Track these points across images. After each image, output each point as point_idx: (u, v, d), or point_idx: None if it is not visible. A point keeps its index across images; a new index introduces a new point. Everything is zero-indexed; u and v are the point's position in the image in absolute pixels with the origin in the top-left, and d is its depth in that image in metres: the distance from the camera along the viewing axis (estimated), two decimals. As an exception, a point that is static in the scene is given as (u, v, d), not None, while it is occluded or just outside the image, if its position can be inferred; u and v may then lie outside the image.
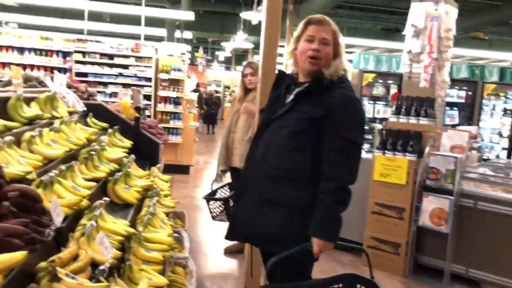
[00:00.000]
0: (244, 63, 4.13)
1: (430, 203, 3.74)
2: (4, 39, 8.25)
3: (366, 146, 5.93)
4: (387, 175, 3.93)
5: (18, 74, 2.94)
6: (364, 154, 4.87)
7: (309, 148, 1.89)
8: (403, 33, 4.40)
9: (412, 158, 3.84)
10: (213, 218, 3.50)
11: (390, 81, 7.24)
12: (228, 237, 2.11)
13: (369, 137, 7.34)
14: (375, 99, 7.36)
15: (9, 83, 3.57)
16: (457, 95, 7.25)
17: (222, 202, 3.47)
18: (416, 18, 4.15)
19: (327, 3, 10.11)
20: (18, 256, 1.20)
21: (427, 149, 3.85)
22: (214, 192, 3.55)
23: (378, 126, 6.61)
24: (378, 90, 7.20)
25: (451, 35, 4.16)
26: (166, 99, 8.18)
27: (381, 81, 7.27)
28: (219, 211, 3.49)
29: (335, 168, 1.83)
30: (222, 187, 3.61)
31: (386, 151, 3.97)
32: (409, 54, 4.25)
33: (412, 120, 4.00)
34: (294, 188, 1.89)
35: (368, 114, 7.59)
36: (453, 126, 6.31)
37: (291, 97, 1.99)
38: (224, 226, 2.28)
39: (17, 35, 8.39)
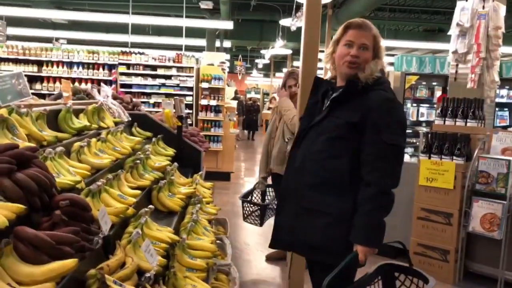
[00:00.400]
0: (285, 71, 4.09)
1: (481, 208, 3.57)
2: (55, 55, 8.70)
3: (410, 150, 5.76)
4: (433, 179, 3.80)
5: (68, 87, 3.09)
6: (408, 159, 4.74)
7: (347, 154, 1.85)
8: (448, 33, 4.24)
9: (460, 162, 3.69)
10: (244, 219, 3.62)
11: (434, 83, 7.00)
12: (272, 245, 2.11)
13: (413, 140, 7.14)
14: (418, 101, 7.14)
15: (59, 96, 3.76)
16: (508, 95, 6.91)
17: (258, 207, 3.55)
18: (462, 17, 4.00)
19: (367, 6, 9.94)
20: (69, 263, 1.25)
21: (476, 152, 3.68)
22: (250, 192, 3.66)
23: (422, 129, 6.40)
24: (422, 93, 6.97)
25: (500, 33, 3.97)
26: (207, 108, 8.32)
27: (424, 83, 7.04)
28: (251, 212, 3.59)
29: (373, 173, 1.79)
30: (259, 189, 3.72)
31: (432, 155, 3.83)
32: (454, 54, 4.10)
33: (459, 122, 3.85)
34: (334, 196, 1.86)
35: (412, 117, 7.37)
36: (504, 127, 6.01)
37: (327, 103, 1.97)
38: (265, 232, 2.29)
39: (66, 51, 8.82)
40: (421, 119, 7.13)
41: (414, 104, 7.17)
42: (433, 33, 14.44)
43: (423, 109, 7.08)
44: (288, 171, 2.05)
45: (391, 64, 9.27)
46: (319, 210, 1.87)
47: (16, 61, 8.67)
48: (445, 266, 3.76)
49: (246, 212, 3.64)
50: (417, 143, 5.95)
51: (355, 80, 1.87)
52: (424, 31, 14.83)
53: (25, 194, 1.43)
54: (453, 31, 4.10)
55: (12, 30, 12.68)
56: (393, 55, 13.05)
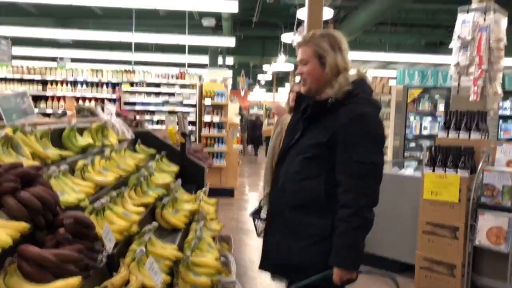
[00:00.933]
0: (288, 86, 4.08)
1: (487, 221, 3.54)
2: (59, 74, 8.79)
3: (413, 163, 5.75)
4: (437, 193, 3.77)
5: (71, 106, 3.12)
6: (411, 172, 4.72)
7: (323, 174, 1.82)
8: (449, 46, 4.27)
9: (465, 175, 3.67)
10: (258, 235, 3.60)
11: (437, 96, 7.02)
12: (261, 267, 2.08)
13: (417, 154, 7.13)
14: (421, 114, 7.15)
15: (64, 114, 3.79)
16: (511, 107, 6.90)
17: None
18: (463, 30, 4.03)
19: (368, 21, 10.03)
20: (73, 282, 1.25)
21: (480, 165, 3.66)
22: (260, 209, 3.64)
23: (426, 142, 6.39)
24: (425, 106, 6.99)
25: (502, 45, 3.99)
26: (210, 124, 8.36)
27: (427, 96, 7.06)
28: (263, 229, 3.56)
29: (347, 194, 1.74)
30: (265, 204, 3.67)
31: (436, 168, 3.81)
32: (456, 67, 4.12)
33: (463, 135, 3.84)
34: (312, 216, 1.84)
35: (415, 130, 7.38)
36: (509, 140, 5.99)
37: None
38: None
39: (71, 69, 8.92)
40: (424, 132, 7.13)
41: (417, 117, 7.19)
42: (435, 46, 14.54)
43: (426, 122, 7.09)
44: (273, 192, 2.03)
45: (393, 78, 9.31)
46: (299, 232, 1.86)
47: (21, 81, 8.77)
48: (452, 281, 3.71)
49: (260, 229, 3.61)
50: (421, 157, 5.94)
51: (320, 99, 1.85)
52: (425, 44, 14.93)
53: (29, 212, 1.43)
54: (455, 44, 4.13)
55: (17, 50, 12.86)
56: (395, 69, 13.11)
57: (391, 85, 8.30)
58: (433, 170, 3.83)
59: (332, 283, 1.76)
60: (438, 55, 13.34)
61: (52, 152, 2.19)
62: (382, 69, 18.24)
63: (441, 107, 6.94)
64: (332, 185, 1.80)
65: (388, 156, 7.54)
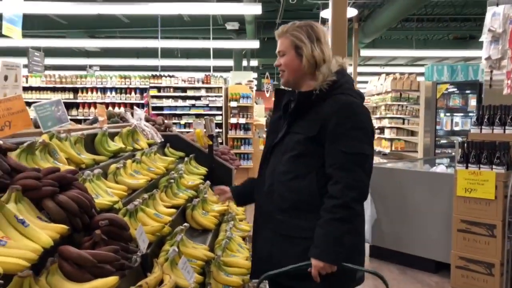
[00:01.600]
0: None
1: (526, 219, 3.42)
2: (89, 82, 9.05)
3: (445, 160, 5.62)
4: (472, 190, 3.67)
5: (103, 112, 3.21)
6: (444, 169, 4.62)
7: (313, 171, 1.72)
8: (480, 39, 4.16)
9: (501, 171, 3.56)
10: None
11: (468, 91, 6.84)
12: (253, 276, 1.93)
13: (449, 151, 6.96)
14: (452, 111, 6.99)
15: (95, 120, 3.90)
16: (547, 99, 6.65)
17: None
18: (494, 22, 3.91)
19: (393, 18, 9.88)
20: (111, 281, 1.28)
21: (516, 160, 3.55)
22: None
23: (458, 138, 6.24)
24: (455, 101, 6.83)
25: (533, 36, 3.86)
26: (236, 126, 8.42)
27: (457, 91, 6.90)
28: None
29: (336, 185, 1.65)
30: None
31: (469, 165, 3.71)
32: (488, 61, 4.01)
33: (497, 130, 3.72)
34: (306, 219, 1.72)
35: (446, 127, 7.22)
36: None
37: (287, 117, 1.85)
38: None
39: (100, 77, 9.16)
40: (455, 128, 6.97)
41: (448, 114, 7.03)
42: (464, 40, 14.18)
43: (457, 118, 6.94)
44: (259, 195, 1.89)
45: (422, 74, 9.14)
46: (294, 236, 1.74)
47: (53, 90, 9.07)
48: (490, 280, 3.60)
49: None
50: (453, 153, 5.79)
51: (305, 91, 1.77)
52: (454, 39, 14.58)
53: (68, 215, 1.48)
54: (485, 37, 4.02)
55: (49, 60, 13.31)
56: (423, 65, 12.86)
57: (420, 81, 8.15)
58: (467, 167, 3.73)
59: (311, 277, 1.66)
60: (467, 50, 13.00)
61: (86, 157, 2.26)
62: (410, 66, 17.91)
63: (472, 102, 6.77)
64: (323, 184, 1.71)
65: (419, 153, 7.40)
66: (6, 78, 2.63)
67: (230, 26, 11.76)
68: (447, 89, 6.77)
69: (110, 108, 8.58)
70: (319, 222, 1.67)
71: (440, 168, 4.68)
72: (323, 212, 1.67)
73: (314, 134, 1.70)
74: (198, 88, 8.95)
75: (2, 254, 1.12)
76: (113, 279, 1.29)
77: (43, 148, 1.92)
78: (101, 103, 8.61)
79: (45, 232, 1.31)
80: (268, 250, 1.81)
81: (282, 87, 1.97)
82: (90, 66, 14.55)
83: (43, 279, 1.21)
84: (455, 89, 6.95)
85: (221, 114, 8.70)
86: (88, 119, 7.49)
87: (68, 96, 8.96)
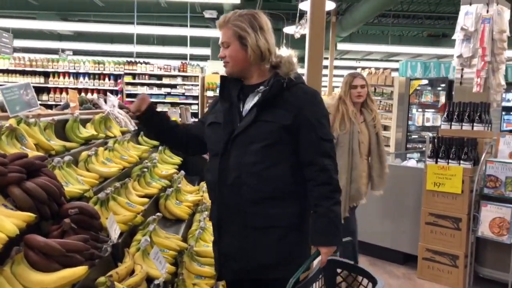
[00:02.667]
0: (348, 74, 3.49)
1: (490, 213, 3.55)
2: (61, 66, 8.79)
3: (416, 155, 5.75)
4: (440, 184, 3.78)
5: (74, 97, 3.12)
6: (414, 163, 4.72)
7: (286, 159, 1.72)
8: (452, 37, 4.25)
9: (468, 166, 3.67)
10: None
11: (439, 88, 7.00)
12: (221, 277, 1.89)
13: (419, 146, 7.12)
14: (424, 107, 7.15)
15: (66, 106, 3.79)
16: (514, 98, 6.90)
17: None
18: (466, 21, 4.00)
19: (370, 13, 9.97)
20: (80, 271, 1.26)
21: (483, 156, 3.66)
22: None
23: (428, 134, 6.39)
24: (427, 98, 6.99)
25: (505, 37, 3.97)
26: (212, 116, 8.36)
27: (430, 88, 7.06)
28: None
29: (324, 172, 1.69)
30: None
31: (438, 160, 3.82)
32: (459, 58, 4.10)
33: (466, 127, 3.83)
34: (281, 206, 1.72)
35: (417, 122, 7.38)
36: (511, 131, 5.97)
37: (249, 105, 1.77)
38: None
39: (73, 62, 8.92)
40: (426, 124, 7.13)
41: (420, 109, 7.18)
42: (437, 38, 14.48)
43: (429, 114, 7.10)
44: (221, 188, 1.76)
45: (396, 69, 9.29)
46: (269, 226, 1.72)
47: (23, 73, 8.78)
48: (455, 272, 3.73)
49: None
50: (423, 148, 5.93)
51: (279, 78, 1.72)
52: (428, 36, 14.86)
53: (35, 202, 1.44)
54: (458, 35, 4.10)
55: (18, 42, 12.83)
56: (397, 60, 13.06)
57: (394, 77, 8.28)
58: (436, 162, 3.83)
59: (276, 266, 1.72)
60: (440, 47, 13.28)
61: (56, 143, 2.19)
62: (385, 61, 18.18)
63: (443, 99, 6.93)
64: (295, 171, 1.73)
65: (391, 148, 7.54)
66: (-28, 59, 2.52)
67: (208, 14, 11.61)
68: (419, 85, 6.91)
69: (82, 94, 8.37)
70: (320, 211, 1.68)
71: (411, 163, 4.78)
72: (320, 201, 1.68)
73: (289, 123, 1.69)
74: (174, 76, 8.84)
75: (-36, 242, 1.08)
76: (81, 269, 1.27)
77: (9, 133, 1.86)
78: (73, 89, 8.40)
79: (10, 220, 1.27)
80: (238, 246, 1.75)
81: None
82: (63, 50, 14.14)
83: (8, 269, 1.18)
84: (427, 86, 7.10)
85: (197, 104, 8.62)
86: (60, 105, 7.28)
87: (39, 80, 8.70)
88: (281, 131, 1.69)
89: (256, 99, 1.75)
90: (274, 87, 1.72)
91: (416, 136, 7.19)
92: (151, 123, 2.00)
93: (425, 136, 5.23)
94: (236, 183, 1.72)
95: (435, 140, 3.90)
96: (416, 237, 4.00)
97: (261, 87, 1.75)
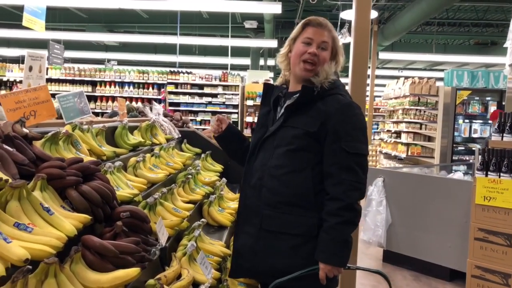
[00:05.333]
0: None
1: (545, 230, 3.35)
2: (108, 75, 9.14)
3: (463, 167, 5.54)
4: (491, 198, 3.61)
5: (123, 105, 3.23)
6: (461, 176, 4.55)
7: (310, 166, 1.69)
8: (504, 45, 4.09)
9: (521, 180, 3.49)
10: None
11: (488, 98, 6.74)
12: (233, 274, 1.88)
13: (466, 158, 6.86)
14: (471, 117, 6.89)
15: (114, 114, 3.93)
16: None
17: None
18: (519, 28, 3.84)
19: (414, 21, 9.76)
20: (133, 272, 1.29)
21: (538, 170, 3.48)
22: None
23: (476, 146, 6.15)
24: (475, 108, 6.74)
25: (561, 44, 3.78)
26: (251, 125, 8.43)
27: (477, 98, 6.80)
28: None
29: (338, 186, 1.64)
30: None
31: (489, 173, 3.65)
32: (511, 67, 3.93)
33: (519, 138, 3.66)
34: (298, 214, 1.68)
35: (464, 133, 7.12)
36: None
37: (281, 111, 1.80)
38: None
39: (118, 71, 9.25)
40: (474, 135, 6.87)
41: (466, 120, 6.93)
42: (485, 46, 13.96)
43: (476, 125, 6.84)
44: (245, 189, 1.82)
45: (441, 79, 9.02)
46: (283, 232, 1.69)
47: (72, 82, 9.19)
48: (506, 291, 3.54)
49: None
50: (471, 160, 5.71)
51: (310, 85, 1.72)
52: (475, 44, 14.36)
53: (90, 205, 1.49)
54: (510, 43, 3.94)
55: (69, 53, 13.47)
56: (442, 70, 12.69)
57: (439, 86, 8.05)
58: (486, 175, 3.67)
59: (317, 280, 1.64)
60: (488, 56, 12.79)
61: (107, 149, 2.28)
62: (428, 70, 17.71)
63: (492, 110, 6.66)
64: (318, 181, 1.69)
65: (436, 159, 7.31)
66: (30, 68, 2.67)
67: (249, 24, 11.77)
68: (468, 95, 6.68)
69: (127, 102, 8.65)
70: (325, 227, 1.65)
71: (458, 175, 4.61)
72: (328, 216, 1.64)
73: (315, 130, 1.68)
74: (215, 86, 8.98)
75: (29, 240, 1.13)
76: (134, 270, 1.30)
77: (66, 138, 1.95)
78: (119, 97, 8.71)
79: (69, 221, 1.33)
80: (251, 246, 1.75)
81: (274, 83, 1.98)
82: (108, 60, 14.69)
83: (67, 266, 1.23)
84: (475, 96, 6.85)
85: (237, 113, 8.70)
86: (106, 113, 7.55)
87: (87, 89, 9.07)
88: (307, 138, 1.69)
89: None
90: (303, 94, 1.72)
91: (463, 148, 6.94)
92: (230, 143, 2.09)
93: (473, 148, 5.04)
94: (257, 185, 1.75)
95: (485, 152, 3.74)
96: (464, 253, 3.83)
97: (298, 94, 1.76)
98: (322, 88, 1.71)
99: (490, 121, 6.54)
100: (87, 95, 8.82)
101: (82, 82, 9.17)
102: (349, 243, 1.67)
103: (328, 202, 1.65)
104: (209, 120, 8.31)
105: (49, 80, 9.07)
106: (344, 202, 1.62)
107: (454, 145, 6.94)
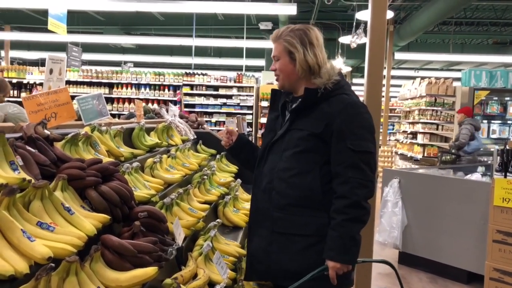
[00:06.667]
0: None
1: None
2: (124, 77, 9.26)
3: (481, 168, 5.46)
4: (510, 200, 3.55)
5: (140, 107, 3.29)
6: (479, 177, 4.49)
7: (317, 167, 1.72)
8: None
9: (541, 182, 3.43)
10: None
11: (507, 98, 6.63)
12: (248, 277, 1.90)
13: (485, 159, 6.75)
14: (489, 118, 6.79)
15: (131, 115, 3.98)
16: None
17: None
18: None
19: (430, 21, 9.64)
20: (151, 271, 1.32)
21: (558, 171, 3.42)
22: None
23: (495, 146, 6.05)
24: (493, 108, 6.64)
25: None
26: (266, 126, 8.44)
27: (496, 98, 6.70)
28: None
29: (345, 184, 1.66)
30: None
31: (508, 174, 3.60)
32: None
33: (538, 139, 3.60)
34: (308, 215, 1.72)
35: (482, 134, 7.01)
36: None
37: (288, 115, 1.85)
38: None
39: (135, 73, 9.36)
40: (492, 136, 6.76)
41: (485, 121, 6.83)
42: (504, 45, 13.71)
43: (495, 125, 6.73)
44: (256, 193, 1.86)
45: (458, 79, 8.90)
46: (294, 234, 1.72)
47: (90, 84, 9.34)
48: (526, 294, 3.48)
49: None
50: (489, 161, 5.63)
51: (312, 88, 1.76)
52: (493, 43, 14.11)
53: (109, 205, 1.53)
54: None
55: (86, 56, 13.69)
56: (459, 70, 12.51)
57: (456, 87, 7.94)
58: (505, 176, 3.62)
59: (327, 278, 1.66)
60: (507, 55, 12.57)
61: (125, 150, 2.32)
62: (445, 70, 17.47)
63: (511, 110, 6.55)
64: (327, 181, 1.72)
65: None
66: (51, 71, 2.73)
67: (264, 26, 11.78)
68: (486, 96, 6.59)
69: (144, 104, 8.75)
70: (332, 224, 1.67)
71: (475, 176, 4.55)
72: (335, 214, 1.67)
73: (320, 131, 1.71)
74: (230, 87, 9.03)
75: (51, 239, 1.17)
76: (152, 269, 1.33)
77: (85, 139, 1.99)
78: (135, 99, 8.82)
79: (89, 221, 1.36)
80: (264, 249, 1.78)
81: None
82: (125, 62, 14.88)
83: (88, 265, 1.26)
84: (494, 96, 6.74)
85: (252, 114, 8.73)
86: (123, 114, 7.65)
87: (104, 91, 9.21)
88: (312, 139, 1.72)
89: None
90: (306, 96, 1.76)
91: (482, 150, 6.83)
92: (241, 153, 2.13)
93: (492, 149, 4.96)
94: (267, 188, 1.78)
95: (504, 152, 3.69)
96: (481, 255, 3.78)
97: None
98: (326, 89, 1.75)
99: (509, 122, 6.43)
100: (104, 97, 8.92)
101: (99, 84, 9.31)
102: (357, 240, 1.68)
103: (336, 200, 1.68)
104: (223, 121, 8.35)
105: (67, 82, 9.22)
106: (350, 200, 1.65)
107: (471, 146, 6.83)
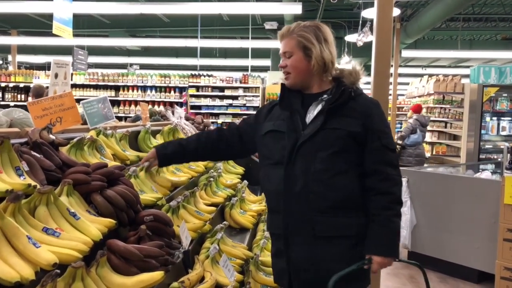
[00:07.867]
0: None
1: None
2: (130, 80, 9.29)
3: (490, 166, 5.40)
4: (521, 198, 3.50)
5: (146, 110, 3.28)
6: (488, 176, 4.43)
7: (353, 167, 1.71)
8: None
9: (552, 179, 3.38)
10: None
11: (517, 94, 6.55)
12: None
13: (494, 156, 6.68)
14: (499, 115, 6.71)
15: (137, 118, 3.99)
16: None
17: None
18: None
19: (438, 18, 9.55)
20: (157, 275, 1.31)
21: None
22: None
23: (505, 144, 5.99)
24: (503, 105, 6.56)
25: None
26: (273, 126, 8.42)
27: (505, 95, 6.62)
28: None
29: (386, 181, 1.70)
30: None
31: (518, 172, 3.55)
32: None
33: (549, 136, 3.54)
34: (350, 216, 1.70)
35: (492, 131, 6.94)
36: None
37: (314, 113, 1.75)
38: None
39: (141, 75, 9.39)
40: (502, 133, 6.69)
41: (494, 118, 6.76)
42: (513, 41, 13.56)
43: (505, 122, 6.65)
44: (287, 198, 1.71)
45: (467, 76, 8.82)
46: (335, 236, 1.69)
47: (96, 87, 9.38)
48: (538, 294, 3.43)
49: None
50: (499, 159, 5.56)
51: (347, 87, 1.74)
52: (502, 39, 13.96)
53: (115, 209, 1.52)
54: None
55: (92, 59, 13.76)
56: (468, 66, 12.40)
57: (464, 84, 7.86)
58: (515, 174, 3.57)
59: (359, 280, 1.71)
60: (516, 51, 12.42)
61: (130, 153, 2.31)
62: (453, 67, 17.33)
63: (521, 106, 6.48)
64: (362, 180, 1.72)
65: (462, 158, 7.14)
66: (56, 75, 2.74)
67: (269, 25, 11.75)
68: (495, 92, 6.51)
69: (150, 106, 8.78)
70: (378, 220, 1.68)
71: (485, 174, 4.50)
72: (380, 210, 1.68)
73: (358, 130, 1.69)
74: (236, 88, 9.02)
75: (57, 244, 1.17)
76: (159, 274, 1.32)
77: (91, 144, 1.99)
78: (141, 101, 8.85)
79: (94, 226, 1.35)
80: (307, 256, 1.71)
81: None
82: (131, 65, 14.95)
83: (93, 270, 1.25)
84: (503, 92, 6.66)
85: (258, 114, 8.71)
86: (129, 116, 7.68)
87: (110, 94, 9.25)
88: (348, 139, 1.69)
89: (319, 107, 1.75)
90: (343, 95, 1.72)
91: (490, 146, 6.76)
92: (183, 160, 2.22)
93: (501, 146, 4.90)
94: (303, 192, 1.68)
95: (514, 150, 3.64)
96: (492, 254, 3.73)
97: (325, 96, 1.76)
98: (351, 89, 1.75)
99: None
100: (110, 100, 8.93)
101: (105, 87, 9.35)
102: (399, 234, 1.74)
103: (377, 197, 1.69)
104: (230, 122, 8.35)
105: (74, 86, 9.28)
106: (394, 196, 1.70)
107: (481, 143, 6.76)
